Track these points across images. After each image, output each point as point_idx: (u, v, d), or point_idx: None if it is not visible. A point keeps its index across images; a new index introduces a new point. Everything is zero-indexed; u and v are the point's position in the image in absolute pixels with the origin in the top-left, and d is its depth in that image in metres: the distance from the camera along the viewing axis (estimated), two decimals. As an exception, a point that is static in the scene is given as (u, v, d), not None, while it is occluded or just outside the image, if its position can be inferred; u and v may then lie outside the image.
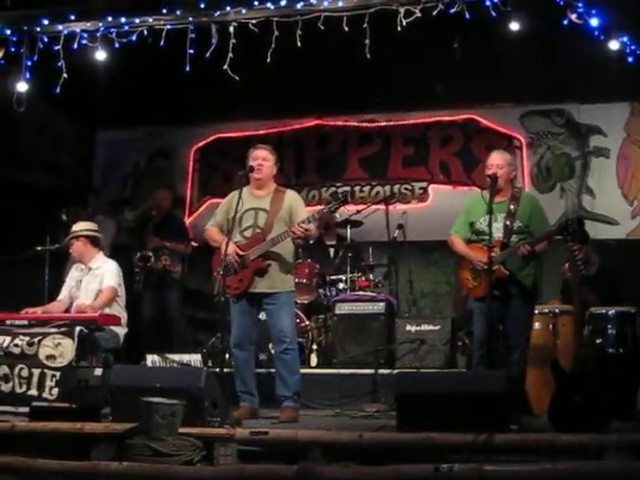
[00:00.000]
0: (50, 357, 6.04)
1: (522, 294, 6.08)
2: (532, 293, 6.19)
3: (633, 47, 6.44)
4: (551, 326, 6.57)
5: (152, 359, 7.20)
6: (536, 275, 6.22)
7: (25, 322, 6.38)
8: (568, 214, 8.94)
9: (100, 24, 7.04)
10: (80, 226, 7.24)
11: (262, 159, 6.38)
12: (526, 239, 6.05)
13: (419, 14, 6.41)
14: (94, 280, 6.98)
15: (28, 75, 7.28)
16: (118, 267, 7.10)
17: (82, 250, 7.09)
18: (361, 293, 8.32)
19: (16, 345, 6.11)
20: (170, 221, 9.10)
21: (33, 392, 6.00)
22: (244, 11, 6.79)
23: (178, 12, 6.90)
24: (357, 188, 10.08)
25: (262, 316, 6.67)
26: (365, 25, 6.47)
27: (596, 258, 7.47)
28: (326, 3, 6.64)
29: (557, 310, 6.62)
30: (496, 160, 6.23)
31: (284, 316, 6.26)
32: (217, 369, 6.04)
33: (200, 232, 7.38)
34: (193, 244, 9.02)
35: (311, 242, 6.81)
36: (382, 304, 7.92)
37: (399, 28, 6.45)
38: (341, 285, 8.57)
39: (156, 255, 8.63)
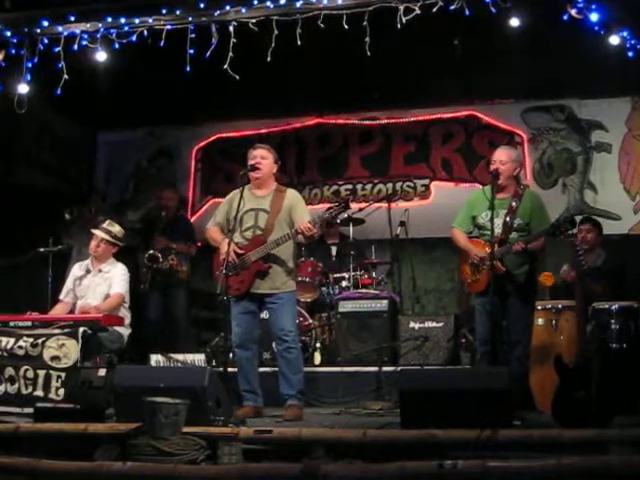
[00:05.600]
0: (55, 358, 6.04)
1: (520, 290, 6.06)
2: (530, 289, 6.17)
3: (633, 42, 6.42)
4: (554, 322, 6.59)
5: (156, 359, 7.22)
6: (533, 271, 6.21)
7: (29, 323, 6.36)
8: (570, 210, 8.95)
9: (100, 25, 7.03)
10: (116, 230, 7.24)
11: (260, 157, 6.40)
12: (525, 236, 6.04)
13: (419, 11, 6.39)
14: (103, 283, 7.03)
15: (29, 77, 7.26)
16: (127, 271, 7.13)
17: (105, 254, 7.13)
18: (364, 291, 8.33)
19: (20, 347, 6.11)
20: (178, 221, 9.06)
21: (39, 393, 6.00)
22: (244, 10, 6.79)
23: (178, 12, 6.89)
24: (359, 186, 10.06)
25: (265, 315, 6.68)
26: (365, 23, 6.46)
27: (601, 248, 7.46)
28: (325, 1, 6.62)
29: (560, 306, 6.62)
30: (499, 156, 6.20)
31: (285, 314, 6.25)
32: (221, 368, 6.05)
33: (202, 232, 7.39)
34: (197, 244, 9.02)
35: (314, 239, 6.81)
36: (385, 302, 7.93)
37: (399, 25, 6.45)
38: (344, 283, 8.55)
39: (163, 255, 8.63)
